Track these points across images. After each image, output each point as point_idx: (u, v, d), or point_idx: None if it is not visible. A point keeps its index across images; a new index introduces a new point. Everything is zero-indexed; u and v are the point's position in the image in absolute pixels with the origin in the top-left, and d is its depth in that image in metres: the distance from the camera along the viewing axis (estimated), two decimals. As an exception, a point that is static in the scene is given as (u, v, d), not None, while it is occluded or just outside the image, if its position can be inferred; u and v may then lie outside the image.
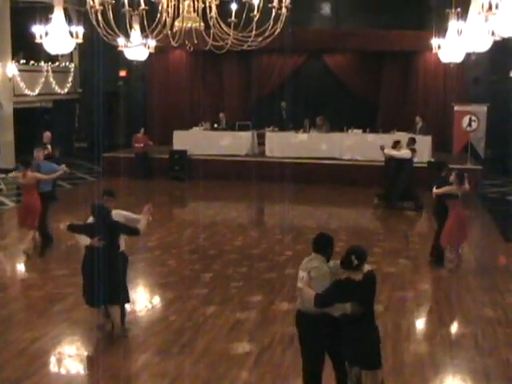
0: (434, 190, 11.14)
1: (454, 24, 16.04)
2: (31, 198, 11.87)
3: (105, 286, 7.70)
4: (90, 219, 8.30)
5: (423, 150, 20.13)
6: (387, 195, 16.63)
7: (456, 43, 16.11)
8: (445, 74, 22.35)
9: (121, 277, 8.13)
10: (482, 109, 19.84)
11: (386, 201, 16.62)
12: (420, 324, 8.87)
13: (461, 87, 22.49)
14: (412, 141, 16.65)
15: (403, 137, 20.47)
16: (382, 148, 16.60)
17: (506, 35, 10.89)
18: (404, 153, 16.25)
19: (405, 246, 12.92)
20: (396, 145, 16.47)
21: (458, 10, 15.62)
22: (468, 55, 17.49)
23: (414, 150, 16.41)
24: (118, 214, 8.34)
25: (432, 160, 19.83)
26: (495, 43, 13.66)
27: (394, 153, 16.31)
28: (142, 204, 8.62)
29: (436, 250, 11.54)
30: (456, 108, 20.13)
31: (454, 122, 20.15)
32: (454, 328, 8.78)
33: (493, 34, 11.85)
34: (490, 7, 8.84)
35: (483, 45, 13.78)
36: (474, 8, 12.84)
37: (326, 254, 6.18)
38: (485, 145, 20.07)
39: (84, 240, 8.21)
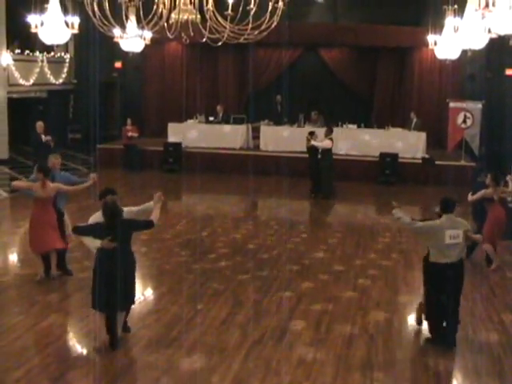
0: (469, 197, 11.15)
1: (450, 21, 16.05)
2: (46, 215, 9.66)
3: (121, 290, 7.37)
4: (96, 218, 7.85)
5: (418, 146, 20.22)
6: (317, 186, 17.14)
7: (452, 40, 16.13)
8: (440, 70, 22.37)
9: (133, 279, 7.81)
10: (477, 106, 19.82)
11: (320, 193, 17.09)
12: (411, 319, 8.86)
13: (456, 84, 22.52)
14: (330, 130, 17.19)
15: (399, 133, 20.66)
16: (309, 139, 17.03)
17: (502, 33, 10.89)
18: (326, 143, 16.84)
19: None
20: (311, 135, 17.03)
21: (455, 6, 15.65)
22: (464, 52, 17.48)
23: (331, 140, 16.93)
24: (128, 212, 7.91)
25: (426, 156, 19.89)
26: (491, 40, 13.67)
27: (318, 144, 16.87)
28: (135, 195, 8.54)
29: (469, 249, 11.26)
30: (451, 105, 20.13)
31: (449, 119, 20.16)
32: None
33: (489, 31, 11.86)
34: (487, 4, 8.82)
35: (479, 42, 13.78)
36: (470, 5, 12.84)
37: (453, 212, 7.99)
38: (479, 142, 20.07)
39: (91, 242, 7.69)
